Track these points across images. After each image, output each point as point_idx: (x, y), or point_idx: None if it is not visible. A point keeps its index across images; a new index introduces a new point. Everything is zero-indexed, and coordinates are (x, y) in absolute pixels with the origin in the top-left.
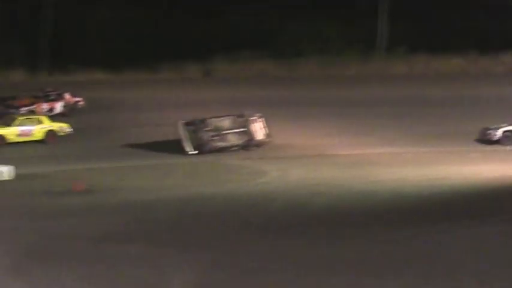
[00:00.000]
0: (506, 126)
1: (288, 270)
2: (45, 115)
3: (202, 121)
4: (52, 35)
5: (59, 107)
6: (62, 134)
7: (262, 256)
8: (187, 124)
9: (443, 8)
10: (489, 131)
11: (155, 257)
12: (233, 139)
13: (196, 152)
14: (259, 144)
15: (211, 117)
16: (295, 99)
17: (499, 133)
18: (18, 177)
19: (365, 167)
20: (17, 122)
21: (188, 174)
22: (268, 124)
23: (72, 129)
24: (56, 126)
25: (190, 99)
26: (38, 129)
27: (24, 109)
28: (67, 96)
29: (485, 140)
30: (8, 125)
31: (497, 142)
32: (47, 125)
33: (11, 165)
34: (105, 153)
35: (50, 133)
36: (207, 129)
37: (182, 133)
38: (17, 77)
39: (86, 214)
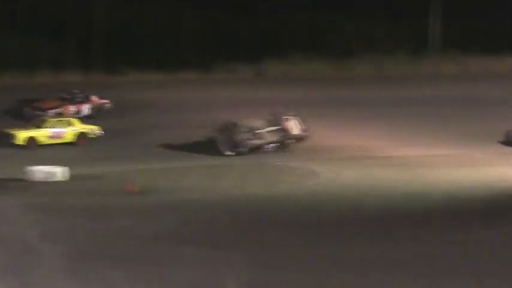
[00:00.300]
0: None
1: (345, 270)
2: (72, 117)
3: (235, 124)
4: (105, 35)
5: (86, 109)
6: (93, 136)
7: (316, 256)
8: (221, 128)
9: (494, 8)
10: None
11: (209, 257)
12: (268, 137)
13: (233, 153)
14: (297, 139)
15: (243, 119)
16: (346, 99)
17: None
18: (72, 178)
19: (417, 169)
20: (48, 124)
21: (241, 175)
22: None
23: (102, 132)
24: (87, 128)
25: (241, 100)
26: (69, 131)
27: (51, 111)
28: (94, 98)
29: (509, 141)
30: (39, 127)
31: None
32: (78, 127)
33: (65, 166)
34: (157, 153)
35: (81, 135)
36: (240, 130)
37: (217, 136)
38: (71, 78)
39: (140, 215)
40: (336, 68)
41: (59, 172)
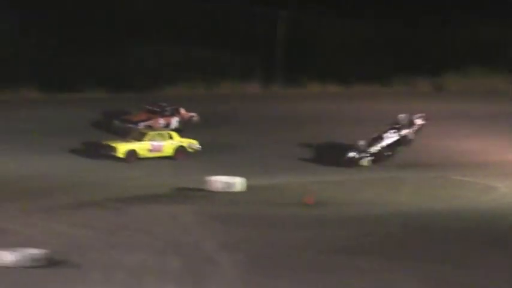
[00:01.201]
0: None
1: None
2: (170, 130)
3: (376, 138)
4: (287, 47)
5: (174, 122)
6: (191, 150)
7: (487, 272)
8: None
9: None
10: None
11: (384, 270)
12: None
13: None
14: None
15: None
16: None
17: None
18: (249, 188)
19: None
20: (148, 137)
21: (415, 189)
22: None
23: (200, 146)
24: (186, 142)
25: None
26: (168, 145)
27: (142, 124)
28: (182, 111)
29: None
30: (139, 139)
31: None
32: (177, 140)
33: (241, 176)
34: (335, 165)
35: (180, 149)
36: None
37: (357, 150)
38: (250, 89)
39: (317, 226)
40: None
41: (237, 182)
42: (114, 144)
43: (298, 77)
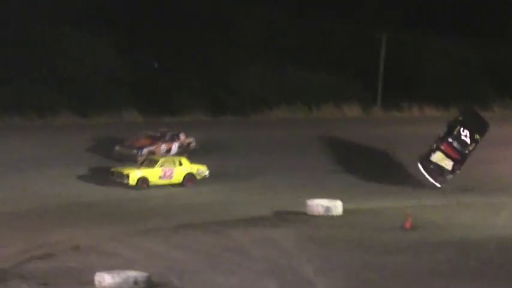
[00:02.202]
0: None
1: None
2: (181, 156)
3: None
4: (387, 70)
5: (175, 147)
6: (199, 177)
7: None
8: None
9: None
10: None
11: None
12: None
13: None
14: None
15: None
16: None
17: None
18: (346, 212)
19: None
20: (159, 163)
21: None
22: None
23: (208, 173)
24: (195, 168)
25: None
26: (179, 171)
27: (145, 150)
28: (182, 136)
29: None
30: (150, 166)
31: None
32: (187, 167)
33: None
34: (426, 190)
35: (189, 176)
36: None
37: (423, 171)
38: (353, 113)
39: (415, 250)
40: None
41: (337, 206)
42: (125, 172)
43: (398, 100)
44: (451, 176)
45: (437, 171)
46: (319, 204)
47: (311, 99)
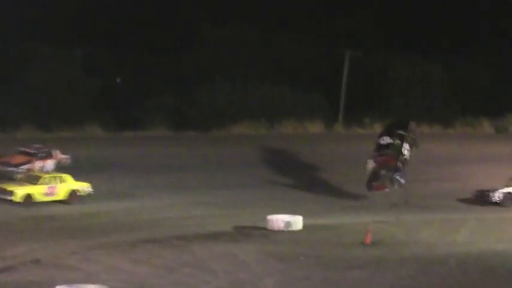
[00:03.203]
0: (504, 188)
1: None
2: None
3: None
4: (350, 87)
5: (50, 164)
6: (83, 194)
7: None
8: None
9: None
10: (488, 193)
11: None
12: None
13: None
14: None
15: None
16: None
17: (499, 195)
18: (306, 228)
19: None
20: (43, 180)
21: (475, 230)
22: None
23: (92, 190)
24: (78, 185)
25: (481, 155)
26: (62, 188)
27: (22, 167)
28: (56, 153)
29: (482, 201)
30: (34, 183)
31: (498, 204)
32: (70, 183)
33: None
34: (386, 206)
35: (73, 193)
36: None
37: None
38: (315, 128)
39: (375, 266)
40: None
41: (297, 221)
42: (9, 188)
43: (361, 118)
44: (398, 174)
45: (383, 179)
46: (279, 219)
47: (273, 115)
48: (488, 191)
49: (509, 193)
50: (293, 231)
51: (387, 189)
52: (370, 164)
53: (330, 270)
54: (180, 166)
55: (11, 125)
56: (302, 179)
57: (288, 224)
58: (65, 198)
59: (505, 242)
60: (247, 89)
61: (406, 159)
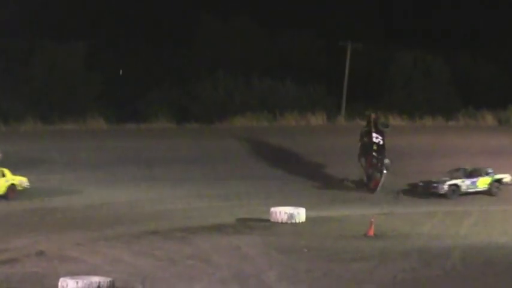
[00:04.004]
0: (449, 180)
1: None
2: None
3: None
4: (352, 79)
5: None
6: (21, 188)
7: None
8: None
9: None
10: (433, 184)
11: None
12: None
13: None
14: None
15: None
16: None
17: (445, 187)
18: (309, 219)
19: None
20: None
21: (478, 222)
22: None
23: (29, 184)
24: (17, 180)
25: (484, 147)
26: (2, 182)
27: None
28: None
29: (427, 193)
30: None
31: (444, 196)
32: (9, 178)
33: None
34: (388, 198)
35: (11, 187)
36: None
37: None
38: (317, 121)
39: (378, 258)
40: None
41: (300, 213)
42: None
43: (363, 110)
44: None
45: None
46: (282, 212)
47: (276, 107)
48: (433, 182)
49: (454, 185)
50: (296, 223)
51: (381, 180)
52: (363, 162)
53: (333, 262)
54: (183, 158)
55: (14, 119)
56: (305, 171)
57: (291, 216)
58: (3, 193)
59: (509, 234)
60: (250, 81)
61: (379, 143)
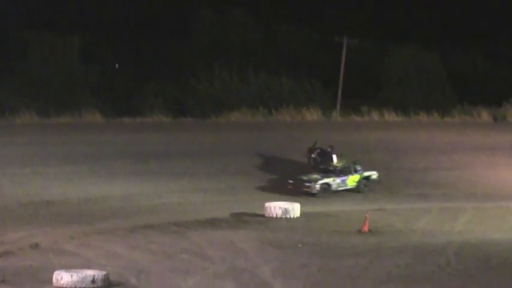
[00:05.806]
0: (321, 178)
1: None
2: None
3: None
4: (348, 75)
5: None
6: None
7: None
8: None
9: None
10: (308, 184)
11: None
12: None
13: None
14: None
15: None
16: None
17: (317, 186)
18: (304, 215)
19: None
20: None
21: (473, 219)
22: None
23: None
24: None
25: (479, 144)
26: None
27: None
28: None
29: (298, 191)
30: None
31: (314, 195)
32: None
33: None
34: (388, 195)
35: None
36: None
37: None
38: (312, 116)
39: (372, 254)
40: None
41: (295, 208)
42: None
43: (359, 106)
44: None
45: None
46: (277, 207)
47: (271, 102)
48: (305, 181)
49: (325, 183)
50: (291, 218)
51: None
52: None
53: (328, 257)
54: (178, 153)
55: (9, 111)
56: (300, 167)
57: (285, 211)
58: None
59: (503, 231)
60: (245, 76)
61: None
